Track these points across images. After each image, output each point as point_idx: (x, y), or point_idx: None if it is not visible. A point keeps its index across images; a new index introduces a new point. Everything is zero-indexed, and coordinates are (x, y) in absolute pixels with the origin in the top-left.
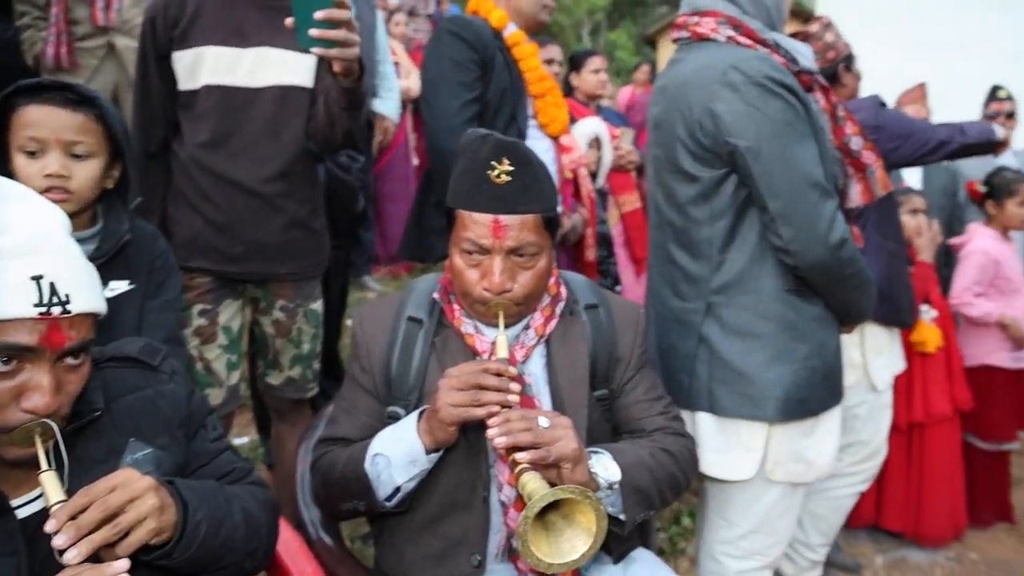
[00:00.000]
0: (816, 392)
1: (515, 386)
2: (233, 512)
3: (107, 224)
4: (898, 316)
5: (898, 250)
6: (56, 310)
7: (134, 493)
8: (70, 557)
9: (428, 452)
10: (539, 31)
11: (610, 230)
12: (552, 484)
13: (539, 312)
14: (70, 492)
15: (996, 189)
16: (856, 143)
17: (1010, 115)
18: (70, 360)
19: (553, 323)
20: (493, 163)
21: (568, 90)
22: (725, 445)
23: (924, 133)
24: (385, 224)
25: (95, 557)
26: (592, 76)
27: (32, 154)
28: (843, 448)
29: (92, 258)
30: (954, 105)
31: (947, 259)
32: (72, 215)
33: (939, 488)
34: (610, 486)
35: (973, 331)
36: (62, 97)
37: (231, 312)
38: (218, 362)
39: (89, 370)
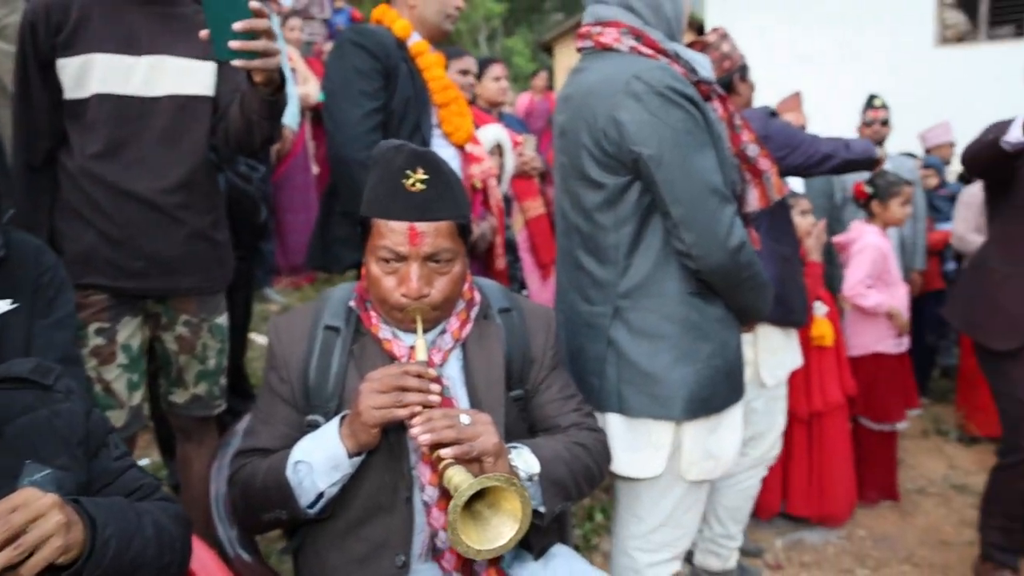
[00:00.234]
0: (719, 390)
1: (435, 387)
2: (144, 527)
3: None
4: (790, 317)
5: (791, 254)
6: None
7: (38, 511)
8: None
9: (351, 456)
10: (443, 40)
11: (515, 236)
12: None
13: (455, 316)
14: None
15: (881, 190)
16: (752, 150)
17: (884, 122)
18: None
19: (468, 327)
20: (408, 172)
21: (470, 98)
22: (634, 444)
23: (810, 146)
24: (285, 234)
25: None
26: (493, 83)
27: None
28: (746, 441)
29: None
30: (832, 114)
31: (829, 256)
32: None
33: (837, 471)
34: (530, 478)
35: (862, 321)
36: None
37: (130, 330)
38: (118, 383)
39: None
